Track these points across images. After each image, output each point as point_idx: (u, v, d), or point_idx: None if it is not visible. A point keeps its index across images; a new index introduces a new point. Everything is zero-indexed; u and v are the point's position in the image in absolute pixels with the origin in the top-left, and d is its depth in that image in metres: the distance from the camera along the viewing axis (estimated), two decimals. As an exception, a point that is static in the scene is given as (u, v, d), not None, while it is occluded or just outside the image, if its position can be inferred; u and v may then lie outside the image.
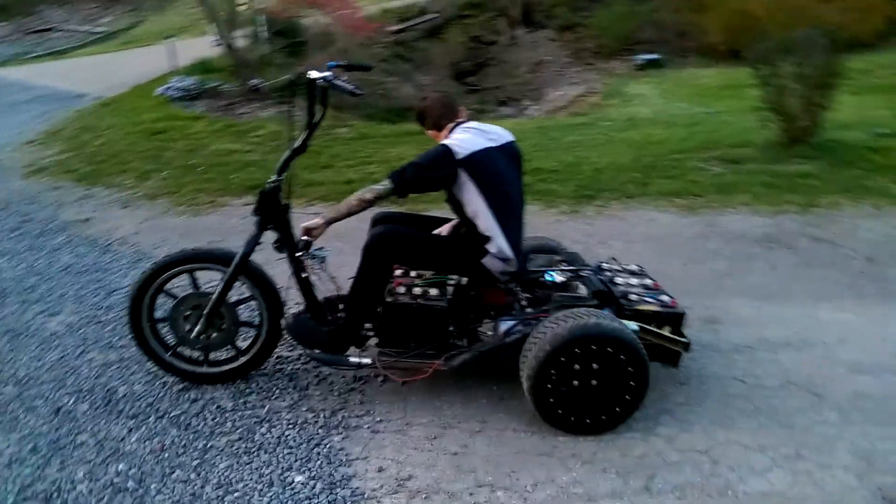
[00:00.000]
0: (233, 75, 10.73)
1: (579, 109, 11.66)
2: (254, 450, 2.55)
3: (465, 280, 2.97)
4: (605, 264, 3.21)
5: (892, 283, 3.88)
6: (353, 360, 2.77)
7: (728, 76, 12.22)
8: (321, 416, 2.75)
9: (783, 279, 3.97)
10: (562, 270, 3.04)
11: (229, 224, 5.11)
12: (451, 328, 2.82)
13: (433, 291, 2.84)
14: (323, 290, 2.95)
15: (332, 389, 2.94)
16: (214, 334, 2.88)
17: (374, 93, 10.88)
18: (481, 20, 17.87)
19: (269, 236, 2.81)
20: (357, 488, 2.36)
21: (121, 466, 2.45)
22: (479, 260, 2.72)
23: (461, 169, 2.63)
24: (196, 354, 2.97)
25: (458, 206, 2.78)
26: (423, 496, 2.32)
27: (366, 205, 2.65)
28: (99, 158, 6.98)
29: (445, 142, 2.72)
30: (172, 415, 2.76)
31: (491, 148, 2.73)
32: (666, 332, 2.73)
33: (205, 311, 2.80)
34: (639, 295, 2.87)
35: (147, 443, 2.58)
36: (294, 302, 3.07)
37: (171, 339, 2.94)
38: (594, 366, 2.50)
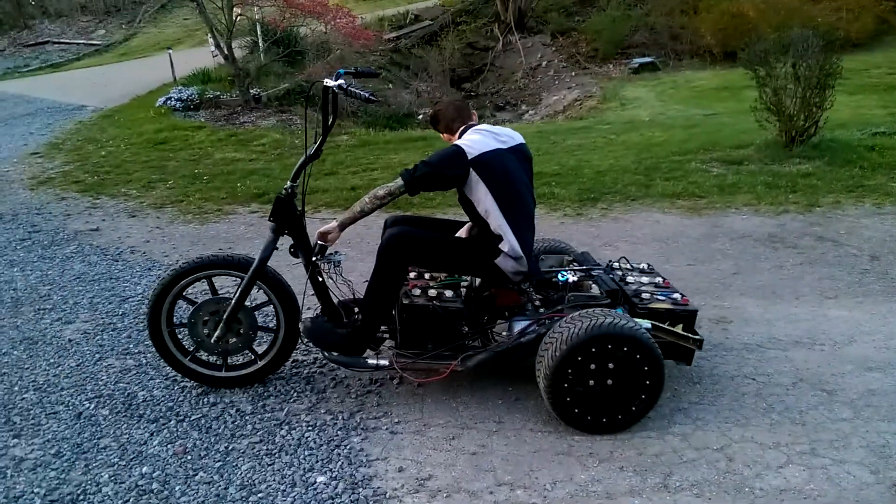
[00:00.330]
0: (232, 85, 10.79)
1: (577, 113, 11.74)
2: (275, 451, 2.57)
3: (478, 281, 3.01)
4: (615, 263, 3.25)
5: (896, 280, 3.93)
6: (370, 361, 2.80)
7: (723, 78, 12.34)
8: (340, 418, 2.78)
9: (790, 278, 4.02)
10: (574, 270, 3.08)
11: (237, 231, 5.15)
12: (466, 329, 2.85)
13: (448, 293, 2.87)
14: (338, 294, 2.98)
15: (349, 392, 2.97)
16: (233, 339, 2.91)
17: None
18: (475, 26, 18.00)
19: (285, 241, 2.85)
20: (378, 488, 2.39)
21: (144, 469, 2.47)
22: (492, 260, 2.75)
23: (472, 169, 2.68)
24: (214, 359, 3.00)
25: (469, 206, 2.82)
26: (445, 495, 2.34)
27: (378, 202, 2.69)
28: (103, 169, 7.02)
29: (457, 142, 2.78)
30: (193, 418, 2.78)
31: (501, 149, 2.78)
32: (679, 329, 2.77)
33: (223, 316, 2.83)
34: (651, 293, 2.91)
35: (169, 446, 2.61)
36: (306, 308, 3.10)
37: (189, 344, 2.97)
38: (610, 365, 2.53)
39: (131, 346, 3.39)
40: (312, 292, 2.87)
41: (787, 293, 3.83)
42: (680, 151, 6.86)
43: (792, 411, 2.75)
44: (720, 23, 13.81)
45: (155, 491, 2.37)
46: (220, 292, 3.01)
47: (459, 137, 2.86)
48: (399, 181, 2.67)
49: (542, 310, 2.88)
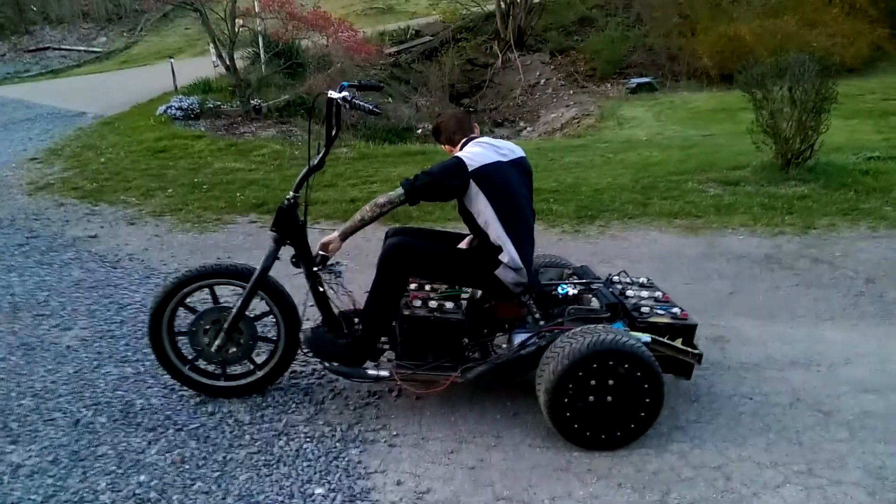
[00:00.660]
0: (233, 95, 10.82)
1: (575, 131, 11.83)
2: (273, 462, 2.57)
3: (479, 293, 3.02)
4: (615, 277, 3.27)
5: (891, 303, 3.96)
6: (370, 372, 2.80)
7: (720, 99, 12.46)
8: (338, 429, 2.78)
9: (786, 299, 4.05)
10: (574, 283, 3.10)
11: (236, 241, 5.16)
12: (466, 341, 2.86)
13: (449, 305, 2.88)
14: (339, 305, 2.99)
15: (347, 404, 2.97)
16: (233, 348, 2.91)
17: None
18: (475, 43, 18.14)
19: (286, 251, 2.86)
20: (377, 501, 2.38)
21: (142, 478, 2.46)
22: (492, 271, 2.77)
23: (472, 180, 2.70)
24: (214, 368, 3.00)
25: (469, 218, 2.84)
26: (443, 509, 2.35)
27: (379, 210, 2.70)
28: (103, 176, 7.01)
29: (458, 154, 2.81)
30: (190, 427, 2.77)
31: (502, 162, 2.81)
32: (678, 343, 2.79)
33: (224, 326, 2.84)
34: (650, 307, 2.93)
35: (167, 455, 2.60)
36: (306, 318, 3.11)
37: (189, 352, 2.97)
38: (610, 382, 2.55)
39: (129, 353, 3.38)
40: (313, 302, 2.88)
41: (783, 314, 3.85)
42: (677, 171, 6.91)
43: (789, 431, 2.77)
44: (717, 45, 13.98)
45: (152, 500, 2.36)
46: (220, 301, 3.01)
47: (461, 149, 2.89)
48: (399, 190, 2.69)
49: (542, 322, 2.89)
